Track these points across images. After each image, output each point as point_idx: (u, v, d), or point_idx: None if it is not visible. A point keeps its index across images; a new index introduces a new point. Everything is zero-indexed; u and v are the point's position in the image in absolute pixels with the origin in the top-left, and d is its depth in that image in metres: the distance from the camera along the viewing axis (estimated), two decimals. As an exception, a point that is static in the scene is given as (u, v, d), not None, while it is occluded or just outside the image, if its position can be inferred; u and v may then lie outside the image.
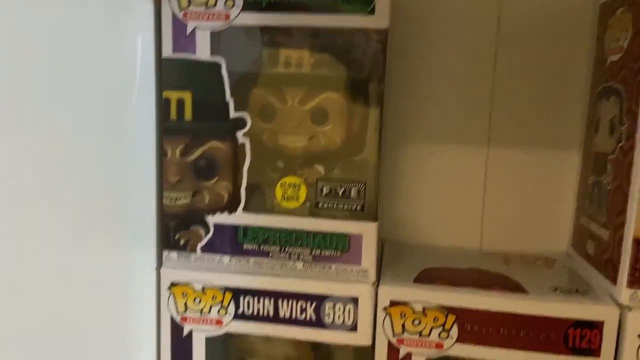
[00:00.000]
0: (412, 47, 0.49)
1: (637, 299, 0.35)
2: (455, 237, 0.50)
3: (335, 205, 0.38)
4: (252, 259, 0.39)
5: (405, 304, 0.38)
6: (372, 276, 0.38)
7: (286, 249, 0.39)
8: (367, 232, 0.38)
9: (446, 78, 0.49)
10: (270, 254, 0.39)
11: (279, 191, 0.39)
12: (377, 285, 0.38)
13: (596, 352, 0.36)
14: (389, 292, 0.38)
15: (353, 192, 0.38)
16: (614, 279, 0.37)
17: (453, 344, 0.37)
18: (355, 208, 0.38)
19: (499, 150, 0.49)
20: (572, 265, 0.44)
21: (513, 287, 0.39)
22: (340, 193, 0.38)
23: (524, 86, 0.48)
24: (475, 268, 0.42)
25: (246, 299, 0.39)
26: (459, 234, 0.50)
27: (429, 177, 0.50)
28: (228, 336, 0.40)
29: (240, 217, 0.39)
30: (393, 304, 0.38)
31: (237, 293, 0.39)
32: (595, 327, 0.36)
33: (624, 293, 0.36)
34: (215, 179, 0.39)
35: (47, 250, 0.35)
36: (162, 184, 0.39)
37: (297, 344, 0.42)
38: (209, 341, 0.40)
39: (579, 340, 0.36)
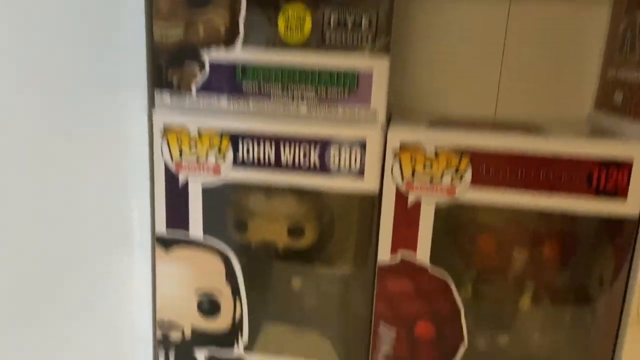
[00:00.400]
0: None
1: (668, 135, 0.33)
2: (468, 101, 0.47)
3: (343, 39, 0.35)
4: (251, 100, 0.36)
5: (416, 146, 0.35)
6: (382, 117, 0.36)
7: (289, 88, 0.36)
8: (377, 68, 0.35)
9: None
10: (272, 95, 0.36)
11: (281, 22, 0.35)
12: (387, 128, 0.36)
13: (623, 192, 0.33)
14: (399, 134, 0.35)
15: (364, 22, 0.34)
16: (645, 119, 0.34)
17: (466, 189, 0.35)
18: (366, 40, 0.35)
19: (520, 4, 0.45)
20: (597, 123, 0.42)
21: (533, 129, 0.36)
22: (350, 24, 0.35)
23: None
24: (492, 120, 0.40)
25: (245, 144, 0.36)
26: (473, 98, 0.47)
27: (442, 34, 0.46)
28: (227, 191, 0.38)
29: (238, 53, 0.36)
30: (403, 147, 0.35)
31: (235, 137, 0.36)
32: (623, 166, 0.33)
33: (655, 129, 0.33)
34: (211, 7, 0.35)
35: (31, 90, 0.32)
36: (152, 16, 0.36)
37: (299, 201, 0.40)
38: (207, 192, 0.38)
39: (604, 181, 0.34)
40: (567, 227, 0.36)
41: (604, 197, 0.33)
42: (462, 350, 0.37)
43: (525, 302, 0.40)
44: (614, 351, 0.36)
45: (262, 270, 0.42)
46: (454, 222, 0.37)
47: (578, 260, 0.38)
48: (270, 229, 0.41)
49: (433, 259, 0.36)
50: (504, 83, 0.46)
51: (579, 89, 0.45)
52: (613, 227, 0.34)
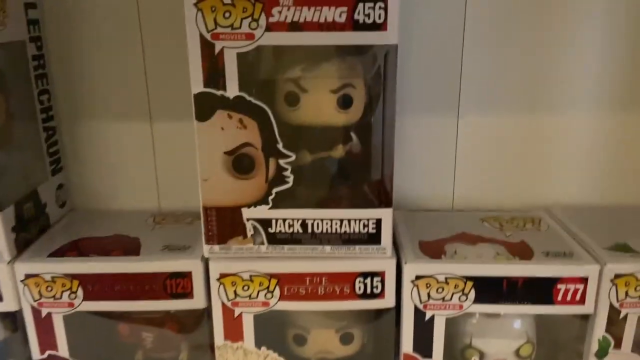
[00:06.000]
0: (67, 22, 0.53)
1: (213, 252, 0.45)
2: (135, 200, 0.58)
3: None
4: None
5: (38, 275, 0.45)
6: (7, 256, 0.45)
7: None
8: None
9: (101, 51, 0.54)
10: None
11: None
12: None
13: (189, 294, 0.46)
14: (24, 268, 0.45)
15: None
16: (205, 237, 0.47)
17: (80, 303, 0.46)
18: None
19: (161, 123, 0.56)
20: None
21: (131, 250, 0.48)
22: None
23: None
24: (117, 234, 0.51)
25: None
26: (138, 198, 0.58)
27: (106, 148, 0.57)
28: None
29: None
30: (28, 276, 0.45)
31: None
32: (186, 276, 0.46)
33: (205, 248, 0.46)
34: None
35: None
36: None
37: None
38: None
39: (176, 287, 0.46)
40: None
41: (175, 300, 0.46)
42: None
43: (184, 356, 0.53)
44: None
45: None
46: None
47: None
48: None
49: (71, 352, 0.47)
50: (162, 182, 0.58)
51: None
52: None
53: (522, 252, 0.47)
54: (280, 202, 0.44)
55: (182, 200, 0.58)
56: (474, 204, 0.58)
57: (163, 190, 0.58)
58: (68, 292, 0.46)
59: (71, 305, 0.46)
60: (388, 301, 0.46)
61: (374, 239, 0.45)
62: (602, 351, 0.45)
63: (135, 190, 0.58)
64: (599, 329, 0.44)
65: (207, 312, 0.47)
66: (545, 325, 0.49)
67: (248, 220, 0.45)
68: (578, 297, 0.44)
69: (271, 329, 0.49)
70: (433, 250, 0.47)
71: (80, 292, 0.46)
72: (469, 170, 0.57)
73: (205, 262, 0.46)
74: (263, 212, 0.45)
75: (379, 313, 0.48)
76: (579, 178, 0.57)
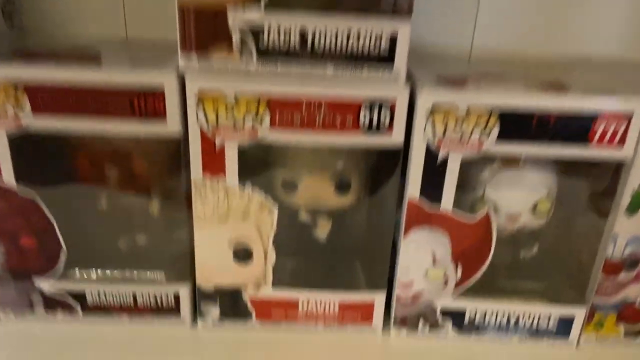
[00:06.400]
0: None
1: (191, 64, 0.37)
2: (97, 24, 0.49)
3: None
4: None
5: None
6: None
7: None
8: None
9: None
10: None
11: None
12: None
13: (162, 116, 0.38)
14: None
15: None
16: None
17: (29, 120, 0.38)
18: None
19: None
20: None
21: (92, 62, 0.40)
22: None
23: None
24: (75, 47, 0.42)
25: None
26: (101, 22, 0.49)
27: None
28: None
29: None
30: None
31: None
32: (158, 93, 0.38)
33: (180, 58, 0.38)
34: None
35: None
36: None
37: None
38: None
39: (145, 107, 0.38)
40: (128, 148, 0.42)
41: (146, 119, 0.39)
42: (63, 257, 0.43)
43: (154, 207, 0.47)
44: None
45: None
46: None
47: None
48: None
49: (18, 180, 0.40)
50: (128, 8, 0.49)
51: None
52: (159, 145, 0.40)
53: (557, 88, 0.40)
54: (276, 4, 0.37)
55: (153, 29, 0.49)
56: (494, 57, 0.51)
57: (130, 15, 0.49)
58: (12, 104, 0.38)
59: (17, 122, 0.38)
60: (396, 138, 0.40)
61: (386, 59, 0.38)
62: (635, 205, 0.40)
63: (97, 11, 0.49)
64: (636, 178, 0.39)
65: (182, 146, 0.40)
66: (568, 181, 0.44)
67: (235, 25, 0.37)
68: (617, 138, 0.38)
69: (258, 169, 0.43)
70: (454, 82, 0.40)
71: (27, 106, 0.38)
72: (492, 18, 0.49)
73: (182, 80, 0.38)
74: (254, 16, 0.37)
75: (383, 154, 0.41)
76: (617, 30, 0.49)
